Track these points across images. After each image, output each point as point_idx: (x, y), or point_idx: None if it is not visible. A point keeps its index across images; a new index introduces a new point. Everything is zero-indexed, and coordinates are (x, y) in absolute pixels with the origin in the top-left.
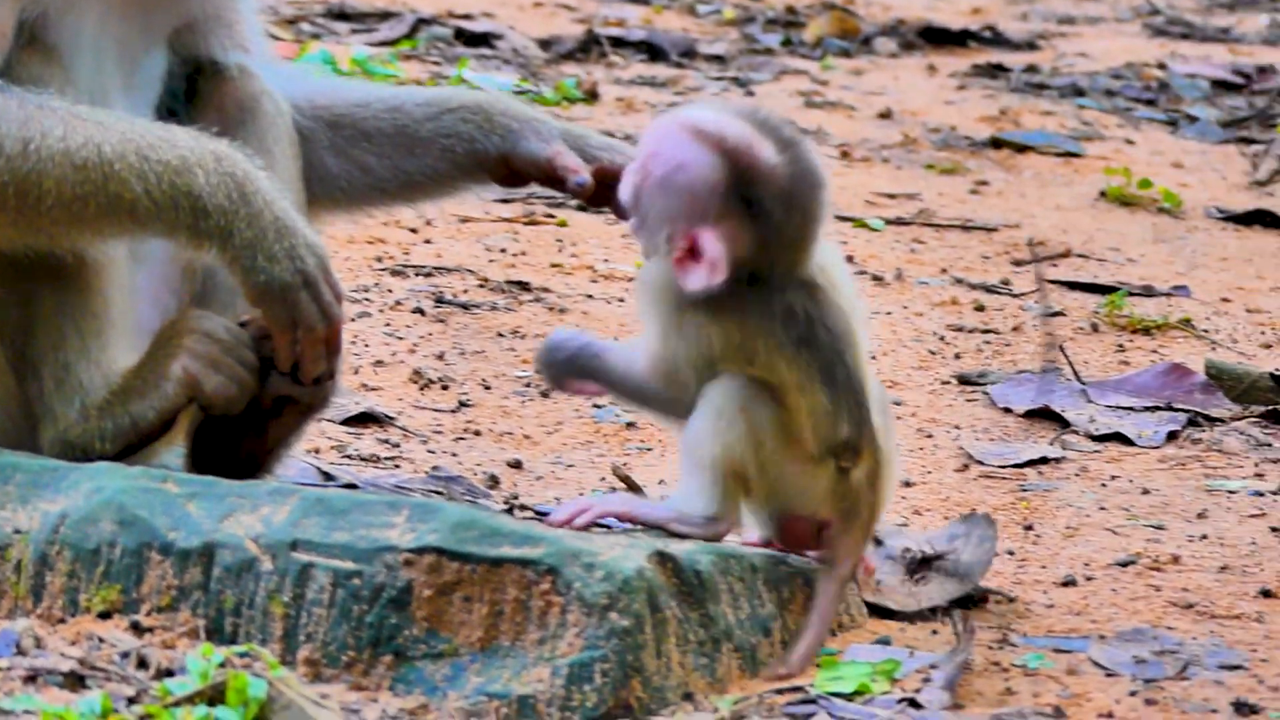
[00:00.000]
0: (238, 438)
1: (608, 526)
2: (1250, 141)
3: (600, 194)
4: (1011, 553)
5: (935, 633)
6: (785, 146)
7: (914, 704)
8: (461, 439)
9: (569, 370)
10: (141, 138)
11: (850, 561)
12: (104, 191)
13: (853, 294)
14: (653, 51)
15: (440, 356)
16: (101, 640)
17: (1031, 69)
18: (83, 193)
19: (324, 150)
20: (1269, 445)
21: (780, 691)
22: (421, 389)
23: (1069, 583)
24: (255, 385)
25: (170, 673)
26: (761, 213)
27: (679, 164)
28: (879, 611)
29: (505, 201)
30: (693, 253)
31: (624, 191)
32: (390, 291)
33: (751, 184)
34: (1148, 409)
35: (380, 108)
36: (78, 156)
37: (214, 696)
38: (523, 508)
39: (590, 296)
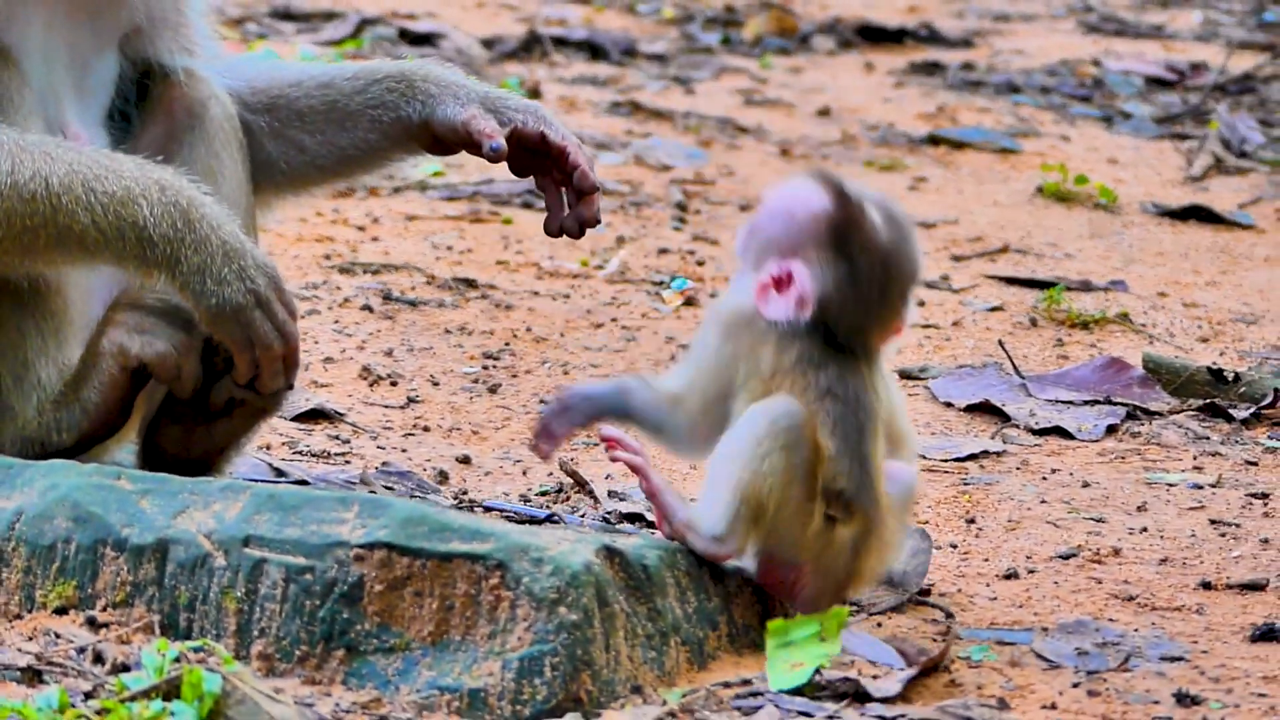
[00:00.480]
0: (188, 435)
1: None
2: (1184, 137)
3: (517, 159)
4: (954, 546)
5: (880, 625)
6: (894, 221)
7: (860, 698)
8: (411, 435)
9: (594, 415)
10: (88, 169)
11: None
12: (53, 223)
13: (895, 395)
14: (594, 50)
15: (389, 353)
16: (58, 636)
17: (968, 66)
18: (32, 224)
19: (264, 137)
20: (1207, 438)
21: (728, 684)
22: (371, 385)
23: (1011, 575)
24: (189, 341)
25: (126, 668)
26: (855, 270)
27: (797, 197)
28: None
29: (451, 200)
30: (780, 284)
31: (742, 229)
32: (339, 289)
33: (854, 235)
34: (1087, 403)
35: (311, 85)
36: (25, 190)
37: (169, 691)
38: (474, 504)
39: (535, 293)
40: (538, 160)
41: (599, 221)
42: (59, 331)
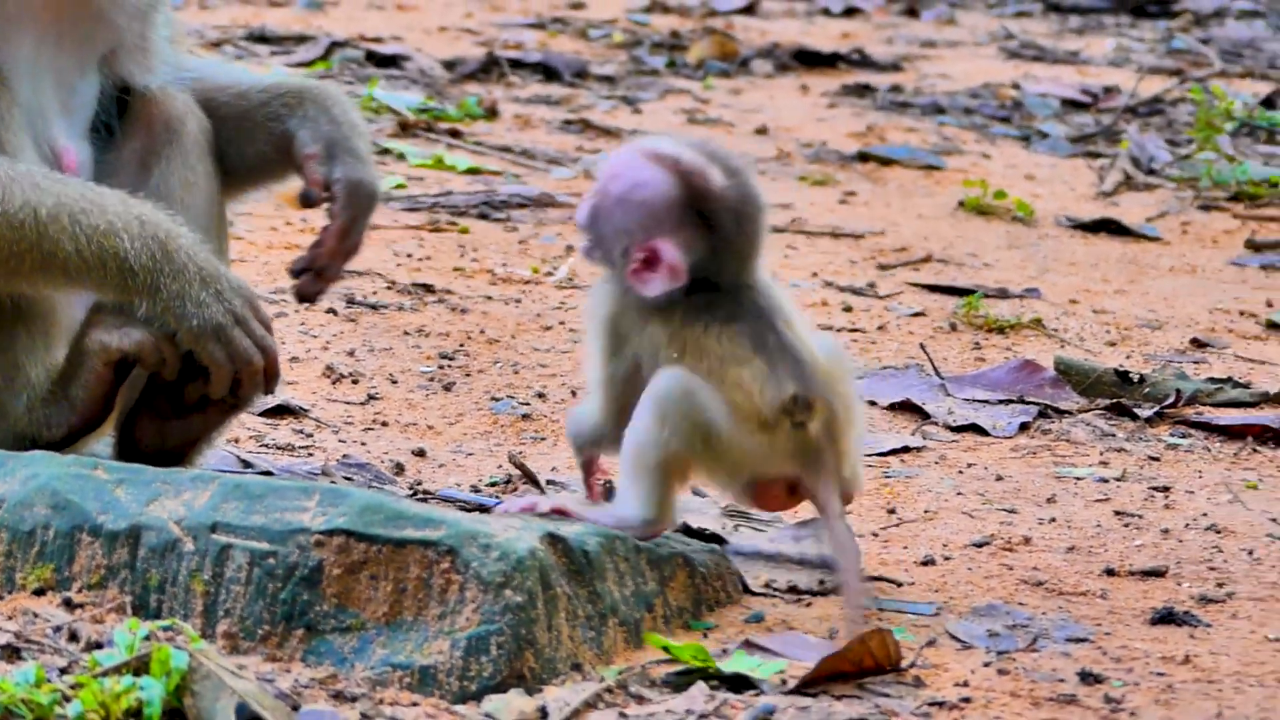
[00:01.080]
0: (163, 429)
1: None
2: (1097, 155)
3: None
4: (875, 535)
5: (809, 605)
6: (732, 172)
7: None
8: (370, 429)
9: (585, 449)
10: (74, 202)
11: (834, 505)
12: (38, 249)
13: (780, 292)
14: (548, 72)
15: (351, 353)
16: (36, 615)
17: (896, 89)
18: (18, 250)
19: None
20: (1113, 435)
21: (661, 662)
22: (333, 383)
23: (928, 562)
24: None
25: (99, 645)
26: (714, 226)
27: (638, 183)
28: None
29: (411, 210)
30: (649, 263)
31: (581, 213)
32: None
33: (704, 201)
34: (1001, 402)
35: (230, 93)
36: (15, 218)
37: (139, 667)
38: (427, 493)
39: (489, 298)
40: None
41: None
42: (47, 334)
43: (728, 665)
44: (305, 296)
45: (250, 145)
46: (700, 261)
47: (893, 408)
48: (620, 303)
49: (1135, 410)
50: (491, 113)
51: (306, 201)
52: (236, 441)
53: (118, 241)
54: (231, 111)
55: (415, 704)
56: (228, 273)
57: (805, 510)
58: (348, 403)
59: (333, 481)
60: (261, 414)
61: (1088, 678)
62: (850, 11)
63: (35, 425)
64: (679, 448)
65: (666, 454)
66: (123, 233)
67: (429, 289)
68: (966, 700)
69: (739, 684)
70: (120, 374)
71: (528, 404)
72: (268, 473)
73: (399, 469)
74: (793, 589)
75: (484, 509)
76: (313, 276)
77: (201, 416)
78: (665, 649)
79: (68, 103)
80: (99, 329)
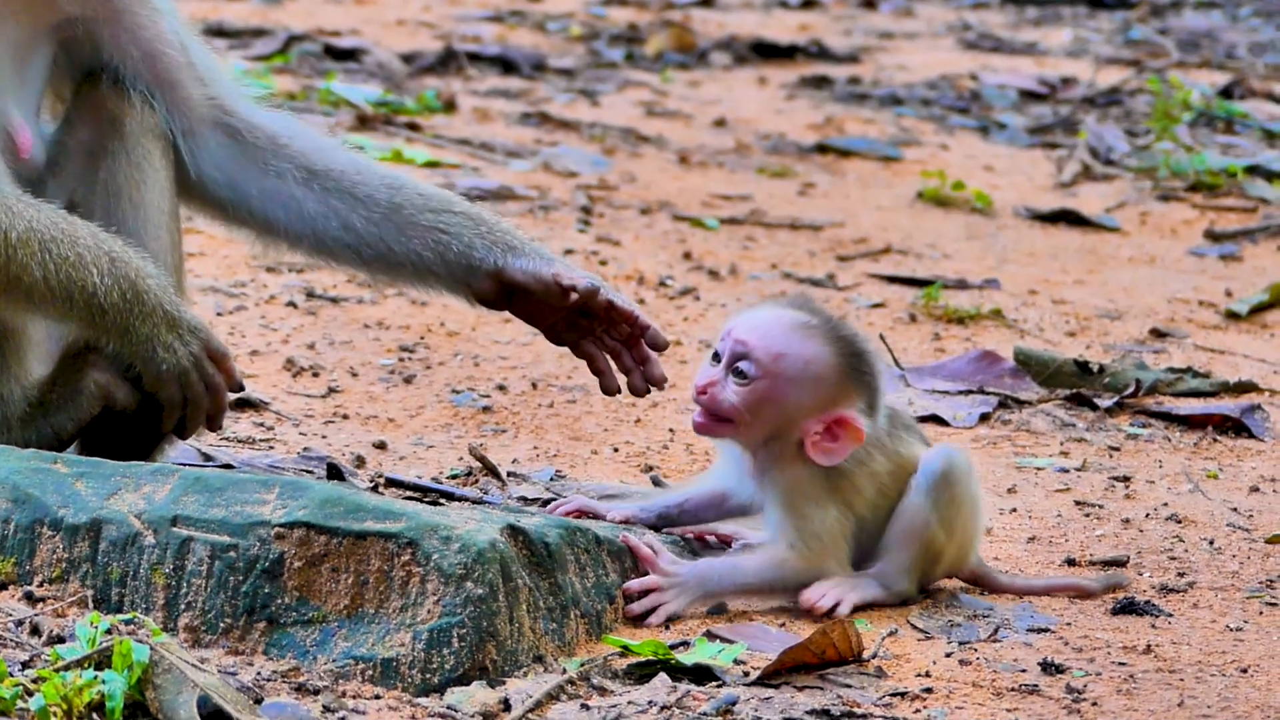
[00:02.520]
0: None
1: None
2: (1055, 146)
3: (567, 324)
4: None
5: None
6: (842, 326)
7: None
8: (331, 422)
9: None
10: (45, 230)
11: None
12: (5, 271)
13: None
14: (506, 65)
15: (311, 346)
16: None
17: (854, 80)
18: None
19: (297, 185)
20: (1073, 425)
21: (623, 654)
22: (294, 376)
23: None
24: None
25: (61, 639)
26: (866, 370)
27: (802, 354)
28: None
29: None
30: (830, 433)
31: (736, 400)
32: (265, 286)
33: (858, 360)
34: (962, 392)
35: (378, 181)
36: None
37: (101, 661)
38: (389, 483)
39: None
40: (580, 326)
41: (666, 380)
42: (19, 350)
43: (689, 656)
44: (660, 381)
45: (400, 239)
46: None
47: None
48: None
49: (1095, 400)
50: (450, 106)
51: (588, 292)
52: (197, 435)
53: (87, 276)
54: (377, 195)
55: (378, 696)
56: (188, 314)
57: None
58: (308, 396)
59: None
60: None
61: (1049, 668)
62: (808, 3)
63: (12, 443)
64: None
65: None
66: (92, 267)
67: None
68: (928, 690)
69: (701, 675)
70: (110, 414)
71: (488, 396)
72: (228, 466)
73: (360, 461)
74: None
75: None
76: (639, 361)
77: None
78: (624, 647)
79: (21, 75)
80: (102, 373)
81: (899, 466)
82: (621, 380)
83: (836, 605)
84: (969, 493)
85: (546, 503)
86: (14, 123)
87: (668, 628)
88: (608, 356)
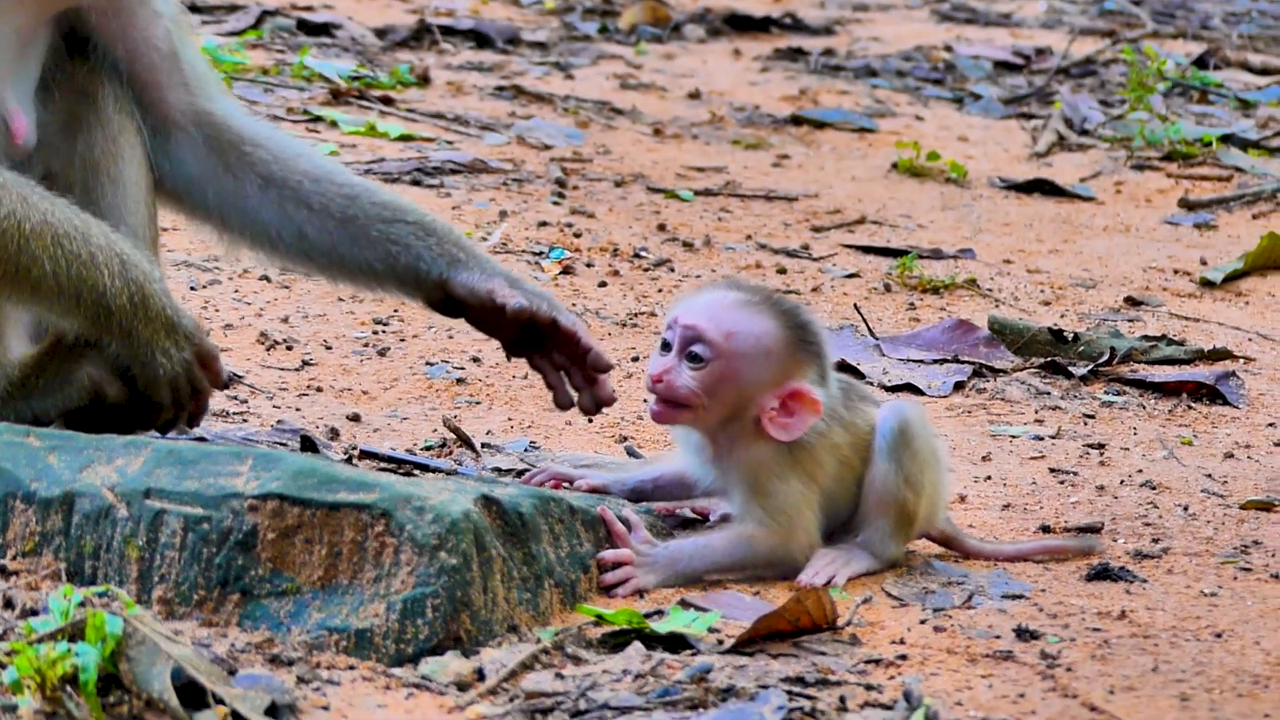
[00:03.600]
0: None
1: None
2: (1030, 117)
3: (519, 339)
4: None
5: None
6: (783, 300)
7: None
8: (305, 395)
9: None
10: (59, 225)
11: None
12: (14, 261)
13: None
14: (480, 39)
15: (285, 320)
16: None
17: (829, 52)
18: None
19: (255, 191)
20: (1047, 394)
21: (597, 623)
22: (268, 349)
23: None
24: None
25: (34, 612)
26: (814, 337)
27: (750, 331)
28: None
29: None
30: (786, 408)
31: (689, 385)
32: (239, 260)
33: (804, 331)
34: (936, 361)
35: (334, 192)
36: None
37: (75, 633)
38: (363, 455)
39: None
40: (535, 341)
41: (615, 399)
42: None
43: (663, 625)
44: (608, 400)
45: (353, 248)
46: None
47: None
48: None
49: (1070, 368)
50: (423, 80)
51: (520, 312)
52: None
53: (98, 276)
54: (331, 205)
55: (352, 667)
56: (186, 317)
57: None
58: (282, 369)
59: (267, 447)
60: None
61: (1024, 634)
62: None
63: None
64: None
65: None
66: (103, 267)
67: None
68: (903, 658)
69: (675, 644)
70: (92, 403)
71: (462, 368)
72: (201, 439)
73: (333, 434)
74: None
75: (426, 468)
76: (586, 380)
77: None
78: (598, 617)
79: (20, 62)
80: (93, 365)
81: (858, 438)
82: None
83: (831, 580)
84: (927, 445)
85: (521, 473)
86: (9, 109)
87: (641, 597)
88: (561, 373)
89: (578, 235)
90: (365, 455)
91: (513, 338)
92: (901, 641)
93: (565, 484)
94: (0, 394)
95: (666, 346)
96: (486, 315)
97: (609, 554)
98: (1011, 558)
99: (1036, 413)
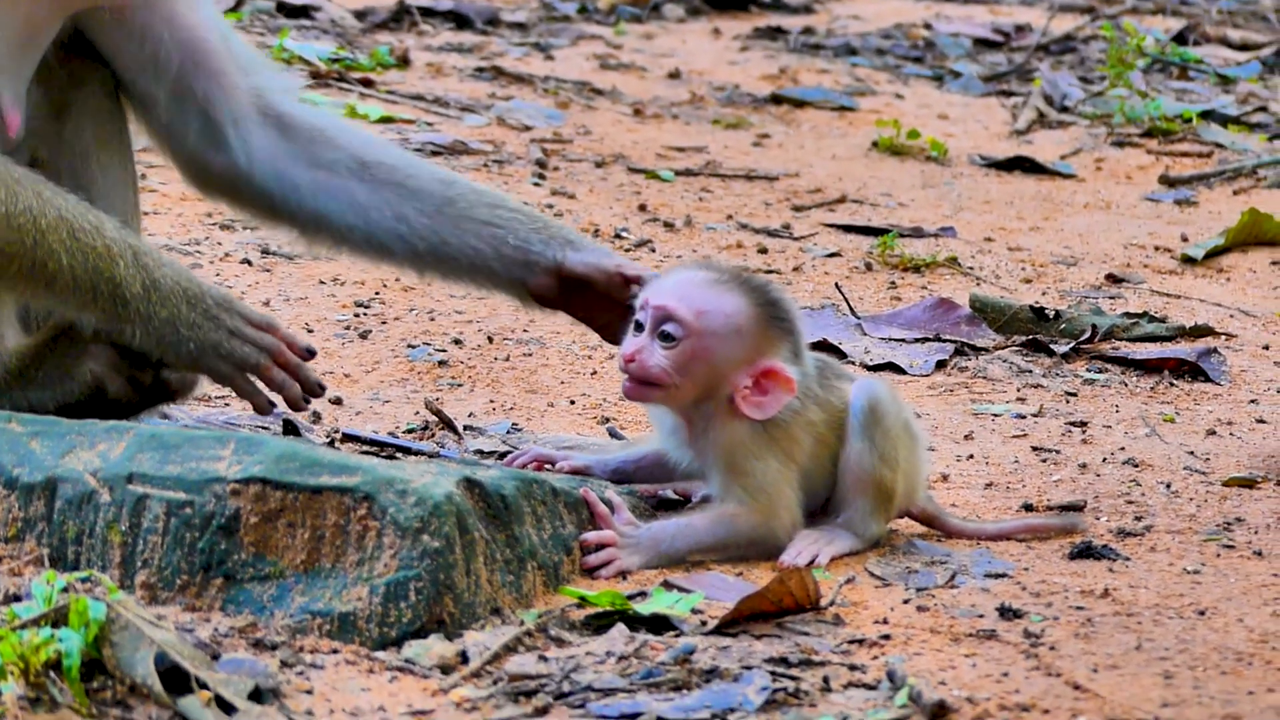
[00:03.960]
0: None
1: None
2: (1010, 94)
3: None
4: None
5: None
6: (753, 277)
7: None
8: None
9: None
10: (74, 220)
11: None
12: (31, 255)
13: None
14: (459, 20)
15: (267, 303)
16: None
17: (808, 31)
18: (10, 251)
19: (350, 176)
20: (1029, 371)
21: (581, 605)
22: None
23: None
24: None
25: (18, 598)
26: (785, 313)
27: (719, 309)
28: None
29: None
30: (760, 386)
31: (662, 364)
32: (220, 244)
33: (775, 308)
34: (918, 340)
35: (430, 175)
36: (15, 220)
37: (58, 619)
38: (345, 438)
39: None
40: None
41: None
42: None
43: (646, 606)
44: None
45: (455, 233)
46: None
47: (810, 347)
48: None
49: (1051, 346)
50: (403, 61)
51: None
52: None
53: (114, 267)
54: (431, 189)
55: (335, 651)
56: (209, 287)
57: None
58: None
59: (249, 431)
60: None
61: (1007, 613)
62: None
63: None
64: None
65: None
66: (119, 259)
67: None
68: (886, 637)
69: (658, 625)
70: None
71: (444, 350)
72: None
73: (315, 417)
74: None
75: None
76: None
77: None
78: (581, 599)
79: (21, 57)
80: (99, 363)
81: (833, 415)
82: None
83: (814, 560)
84: (899, 421)
85: (503, 455)
86: (5, 101)
87: (624, 579)
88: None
89: (559, 216)
90: (347, 438)
91: (613, 321)
92: (885, 621)
93: (547, 466)
94: (0, 384)
95: (639, 327)
96: (607, 294)
97: (592, 535)
98: (994, 537)
99: (1018, 391)
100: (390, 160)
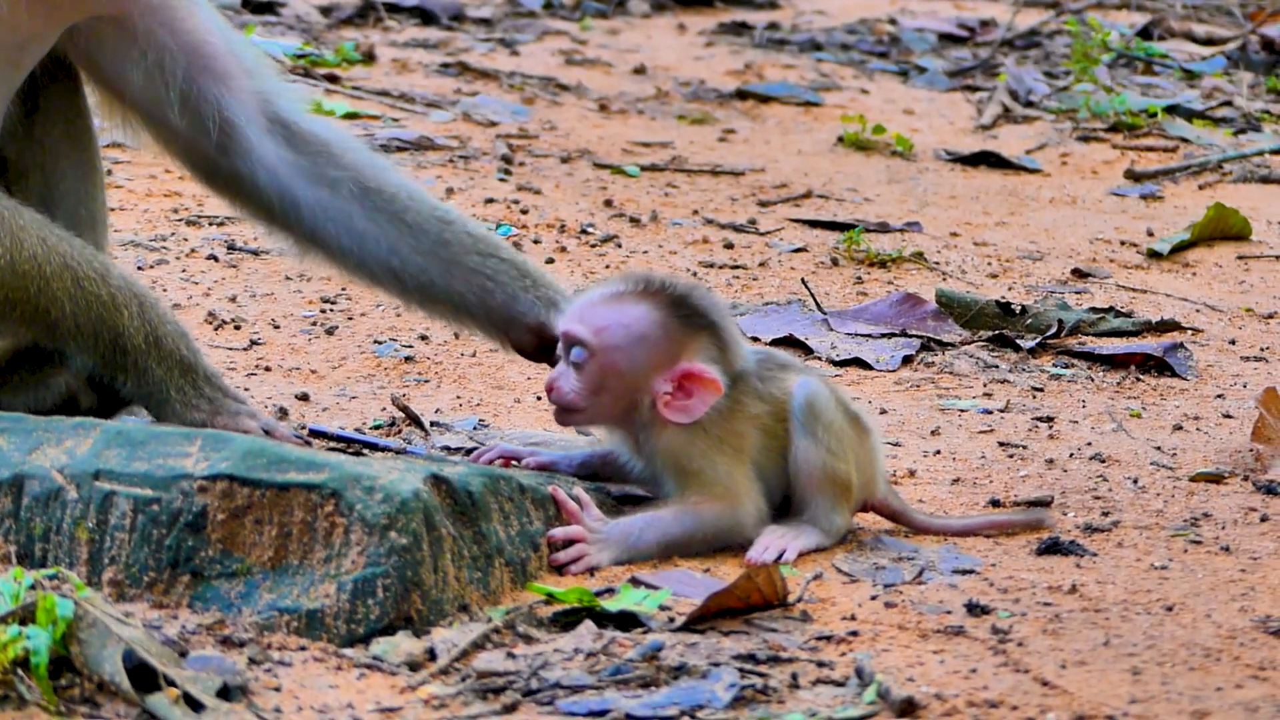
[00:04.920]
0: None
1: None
2: (975, 89)
3: None
4: None
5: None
6: (659, 281)
7: (673, 616)
8: (253, 374)
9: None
10: (79, 267)
11: None
12: (33, 303)
13: None
14: (425, 16)
15: (233, 299)
16: None
17: (773, 26)
18: (14, 298)
19: (351, 200)
20: (996, 367)
21: (548, 602)
22: (216, 329)
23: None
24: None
25: None
26: (702, 310)
27: (627, 320)
28: None
29: None
30: (683, 389)
31: (576, 389)
32: (186, 240)
33: (683, 308)
34: (884, 335)
35: (428, 211)
36: (20, 268)
37: (25, 616)
38: (313, 434)
39: None
40: None
41: None
42: None
43: (614, 603)
44: None
45: (443, 273)
46: (718, 349)
47: (776, 343)
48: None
49: (1018, 341)
50: (369, 57)
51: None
52: None
53: (117, 318)
54: (428, 227)
55: (303, 648)
56: (203, 361)
57: None
58: (230, 348)
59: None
60: None
61: (975, 609)
62: None
63: None
64: None
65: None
66: (123, 309)
67: None
68: (854, 634)
69: (626, 622)
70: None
71: (410, 346)
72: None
73: (282, 413)
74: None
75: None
76: None
77: None
78: (549, 595)
79: (12, 71)
80: (70, 375)
81: (778, 407)
82: None
83: (781, 556)
84: (841, 415)
85: (470, 452)
86: None
87: (593, 575)
88: None
89: (524, 212)
90: (314, 434)
91: None
92: (853, 618)
93: (514, 462)
94: None
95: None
96: None
97: (559, 532)
98: (960, 532)
99: (985, 386)
100: (391, 188)
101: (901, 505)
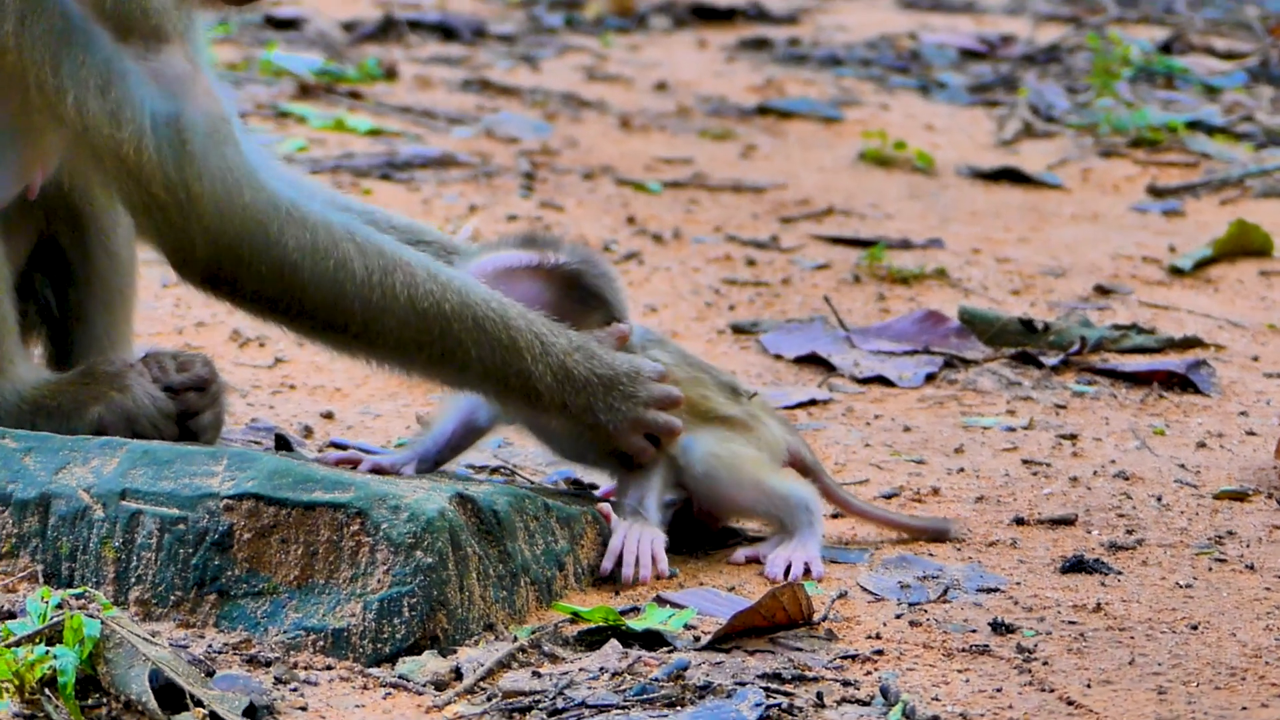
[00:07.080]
0: None
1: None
2: (996, 104)
3: None
4: None
5: (718, 560)
6: (551, 252)
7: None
8: (278, 392)
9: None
10: (477, 306)
11: None
12: (439, 344)
13: None
14: (447, 32)
15: None
16: None
17: (794, 42)
18: (420, 340)
19: None
20: (1019, 384)
21: (574, 621)
22: (240, 347)
23: (838, 515)
24: (169, 429)
25: (12, 615)
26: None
27: (520, 299)
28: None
29: (314, 173)
30: None
31: None
32: None
33: (577, 282)
34: (907, 353)
35: (358, 208)
36: (420, 304)
37: (52, 636)
38: (331, 445)
39: None
40: None
41: None
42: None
43: (639, 622)
44: None
45: None
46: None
47: (799, 361)
48: None
49: (1041, 358)
50: (391, 74)
51: None
52: None
53: (522, 362)
54: None
55: (329, 667)
56: (622, 365)
57: None
58: (255, 366)
59: (242, 445)
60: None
61: (1000, 628)
62: None
63: (17, 422)
64: None
65: None
66: (525, 353)
67: None
68: (879, 653)
69: (652, 641)
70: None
71: None
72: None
73: (307, 432)
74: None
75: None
76: None
77: None
78: (574, 614)
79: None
80: (110, 410)
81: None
82: None
83: (808, 569)
84: (728, 440)
85: (495, 470)
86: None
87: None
88: None
89: (547, 228)
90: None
91: None
92: (877, 636)
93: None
94: (33, 403)
95: None
96: None
97: (610, 554)
98: (880, 522)
99: (1008, 403)
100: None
101: (838, 491)
